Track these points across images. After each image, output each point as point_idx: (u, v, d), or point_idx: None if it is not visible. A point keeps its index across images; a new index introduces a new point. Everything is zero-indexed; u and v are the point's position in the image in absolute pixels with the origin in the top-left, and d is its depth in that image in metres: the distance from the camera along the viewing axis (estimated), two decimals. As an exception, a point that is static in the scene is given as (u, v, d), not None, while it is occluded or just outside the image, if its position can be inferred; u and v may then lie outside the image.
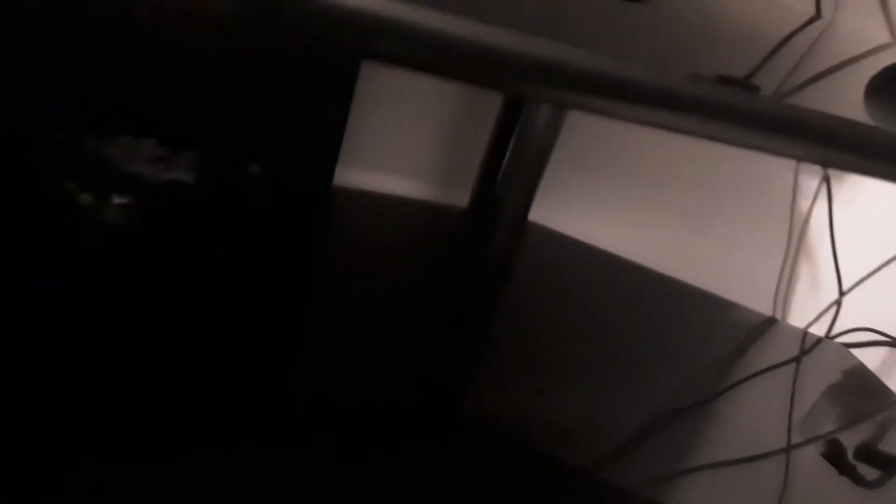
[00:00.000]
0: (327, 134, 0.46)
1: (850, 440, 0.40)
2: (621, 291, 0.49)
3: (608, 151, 0.55)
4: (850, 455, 0.38)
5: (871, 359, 0.56)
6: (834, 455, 0.37)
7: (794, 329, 0.54)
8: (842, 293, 0.63)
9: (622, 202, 0.56)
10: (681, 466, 0.33)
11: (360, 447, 0.28)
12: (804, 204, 0.60)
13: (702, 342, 0.46)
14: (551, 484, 0.29)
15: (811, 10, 0.51)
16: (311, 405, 0.29)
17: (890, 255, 0.63)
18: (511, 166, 0.48)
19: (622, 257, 0.52)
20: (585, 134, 0.53)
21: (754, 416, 0.39)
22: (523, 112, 0.47)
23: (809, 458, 0.37)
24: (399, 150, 0.52)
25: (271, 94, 0.43)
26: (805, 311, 0.64)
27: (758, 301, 0.59)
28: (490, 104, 0.49)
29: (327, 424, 0.28)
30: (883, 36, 0.53)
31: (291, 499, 0.24)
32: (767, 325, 0.52)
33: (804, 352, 0.51)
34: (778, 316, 0.63)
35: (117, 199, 0.35)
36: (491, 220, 0.50)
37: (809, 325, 0.64)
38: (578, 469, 0.31)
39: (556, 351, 0.39)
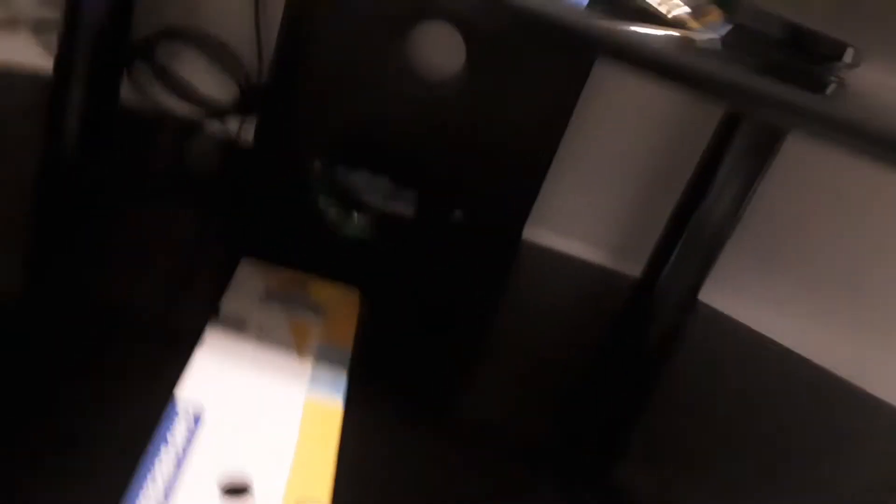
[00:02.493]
0: (524, 191, 0.52)
1: None
2: (793, 390, 0.50)
3: (790, 241, 0.56)
4: None
5: None
6: None
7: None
8: None
9: (800, 296, 0.57)
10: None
11: (491, 485, 0.32)
12: None
13: (878, 462, 0.45)
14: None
15: None
16: (455, 436, 0.34)
17: None
18: (688, 243, 0.51)
19: (797, 353, 0.52)
20: (765, 220, 0.55)
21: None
22: (708, 194, 0.50)
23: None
24: (584, 214, 0.57)
25: (481, 152, 0.50)
26: None
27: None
28: (677, 179, 0.53)
29: (466, 458, 0.33)
30: None
31: None
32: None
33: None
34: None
35: (357, 218, 0.44)
36: (661, 294, 0.53)
37: None
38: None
39: (707, 440, 0.41)
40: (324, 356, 0.33)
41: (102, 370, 0.28)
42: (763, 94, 0.24)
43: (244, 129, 0.53)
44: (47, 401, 0.26)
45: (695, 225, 0.51)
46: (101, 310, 0.31)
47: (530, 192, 0.52)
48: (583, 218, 0.57)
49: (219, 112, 0.53)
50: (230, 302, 0.34)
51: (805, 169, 0.53)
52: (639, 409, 0.40)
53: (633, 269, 0.55)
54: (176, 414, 0.26)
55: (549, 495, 0.30)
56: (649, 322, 0.52)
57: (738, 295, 0.56)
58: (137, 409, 0.26)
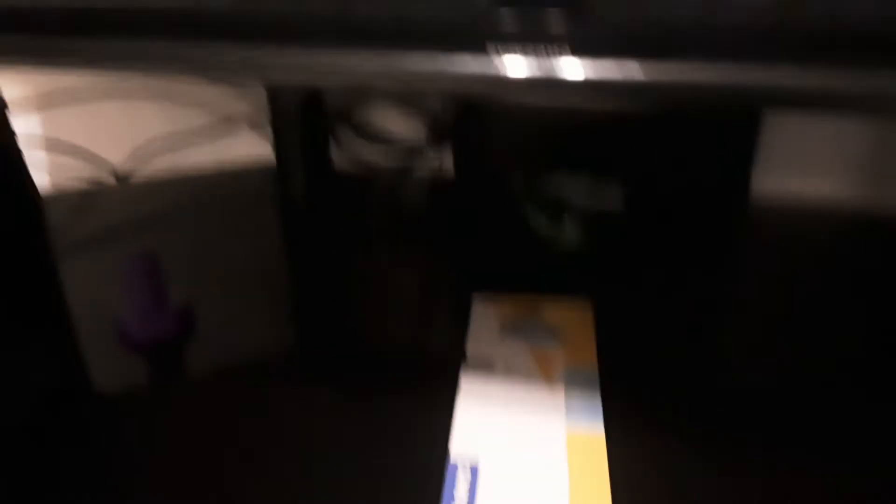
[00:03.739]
0: (741, 142, 0.48)
1: None
2: None
3: None
4: None
5: None
6: None
7: None
8: None
9: None
10: None
11: (779, 454, 0.30)
12: None
13: None
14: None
15: None
16: (728, 435, 0.32)
17: None
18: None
19: None
20: None
21: None
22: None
23: None
24: (821, 146, 0.51)
25: (682, 120, 0.47)
26: None
27: None
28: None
29: (747, 456, 0.31)
30: None
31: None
32: None
33: None
34: None
35: (568, 227, 0.44)
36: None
37: None
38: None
39: None
40: (573, 381, 0.33)
41: (369, 428, 0.31)
42: None
43: (444, 162, 0.55)
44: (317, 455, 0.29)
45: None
46: (355, 365, 0.35)
47: (748, 140, 0.47)
48: (820, 151, 0.50)
49: (418, 152, 0.55)
50: (474, 343, 0.36)
51: None
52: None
53: (892, 202, 0.48)
54: (456, 469, 0.28)
55: (849, 482, 0.28)
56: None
57: None
58: (419, 469, 0.29)
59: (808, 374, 0.34)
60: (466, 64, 0.22)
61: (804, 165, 0.51)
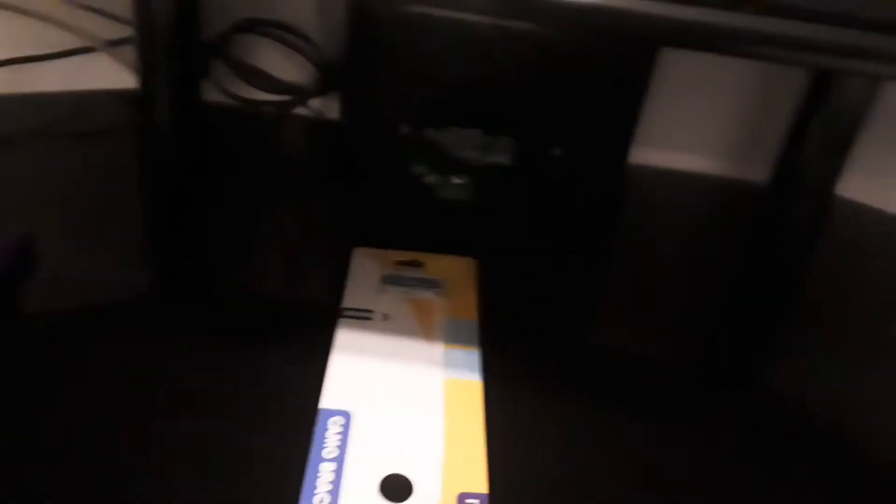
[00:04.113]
0: (624, 115, 0.49)
1: None
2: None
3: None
4: None
5: None
6: None
7: None
8: None
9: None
10: None
11: (644, 402, 0.31)
12: None
13: None
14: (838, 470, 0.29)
15: None
16: (602, 393, 0.33)
17: None
18: (817, 140, 0.47)
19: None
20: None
21: None
22: (833, 86, 0.45)
23: None
24: (694, 128, 0.53)
25: (573, 84, 0.47)
26: None
27: None
28: (791, 80, 0.48)
29: (619, 414, 0.32)
30: None
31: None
32: None
33: None
34: None
35: (456, 180, 0.43)
36: (794, 195, 0.49)
37: None
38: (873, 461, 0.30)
39: (863, 332, 0.38)
40: (452, 332, 0.32)
41: (241, 378, 0.29)
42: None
43: (330, 106, 0.52)
44: (181, 407, 0.27)
45: (824, 117, 0.46)
46: (226, 314, 0.32)
47: (630, 114, 0.49)
48: (693, 130, 0.53)
49: (301, 95, 0.52)
50: (351, 295, 0.34)
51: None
52: (789, 313, 0.38)
53: (756, 174, 0.51)
54: (327, 419, 0.27)
55: (707, 418, 0.29)
56: (786, 225, 0.48)
57: (877, 182, 0.51)
58: (290, 418, 0.27)
59: (676, 330, 0.36)
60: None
61: (676, 141, 0.53)
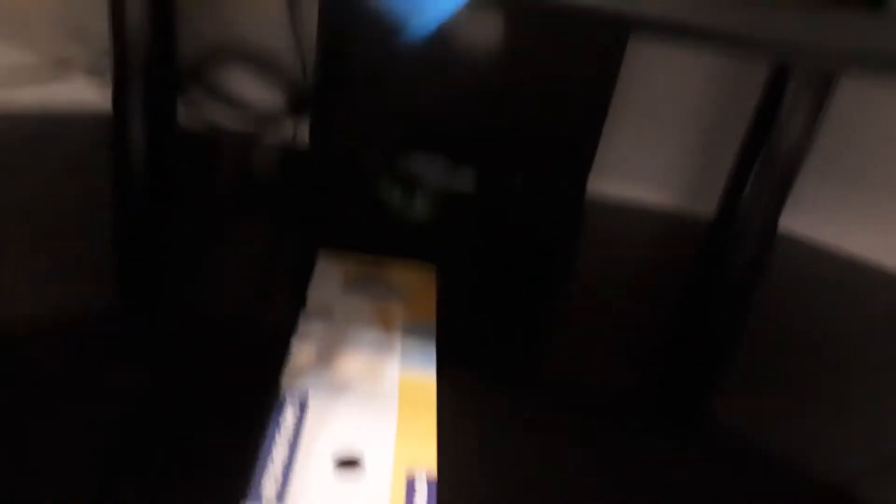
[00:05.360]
0: (582, 147, 0.51)
1: None
2: (886, 308, 0.48)
3: (867, 160, 0.54)
4: None
5: None
6: None
7: None
8: None
9: (883, 212, 0.54)
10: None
11: (592, 438, 0.32)
12: None
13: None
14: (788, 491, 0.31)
15: None
16: (547, 395, 0.34)
17: None
18: (761, 175, 0.50)
19: (886, 269, 0.50)
20: (839, 143, 0.53)
21: None
22: (775, 123, 0.48)
23: None
24: (649, 161, 0.56)
25: (533, 116, 0.50)
26: None
27: None
28: (739, 116, 0.51)
29: (561, 415, 0.33)
30: None
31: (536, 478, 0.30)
32: None
33: None
34: None
35: (420, 203, 0.45)
36: (739, 230, 0.52)
37: None
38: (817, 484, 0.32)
39: (801, 367, 0.40)
40: (410, 334, 0.33)
41: (209, 370, 0.29)
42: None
43: (299, 132, 0.54)
44: (161, 404, 0.27)
45: (767, 154, 0.49)
46: (197, 317, 0.33)
47: (588, 146, 0.51)
48: (647, 165, 0.56)
49: (272, 119, 0.54)
50: (315, 294, 0.35)
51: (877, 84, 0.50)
52: (730, 345, 0.39)
53: (706, 208, 0.54)
54: (284, 401, 0.27)
55: (648, 440, 0.30)
56: (730, 258, 0.50)
57: (819, 219, 0.54)
58: (248, 402, 0.28)
59: (623, 341, 0.37)
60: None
61: (631, 175, 0.56)
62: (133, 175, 0.47)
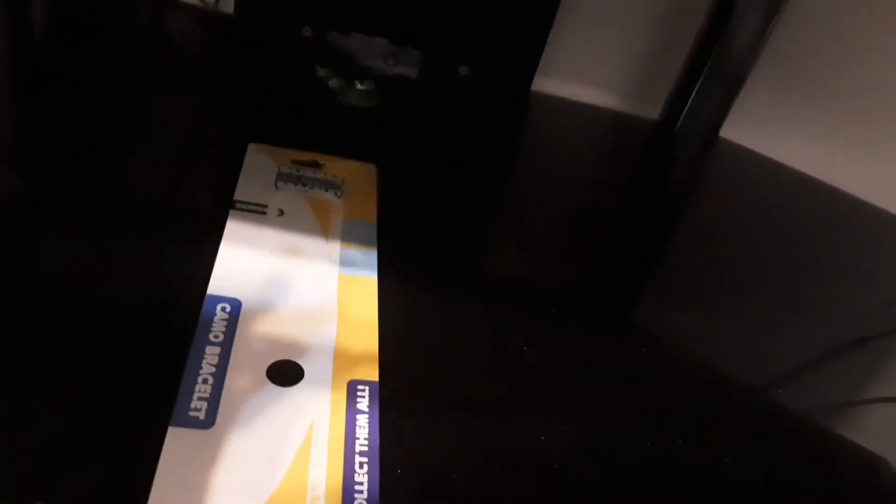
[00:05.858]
0: (530, 43, 0.49)
1: None
2: (812, 214, 0.49)
3: (813, 71, 0.53)
4: None
5: None
6: None
7: None
8: None
9: (824, 125, 0.55)
10: (860, 398, 0.34)
11: (532, 335, 0.32)
12: None
13: (891, 273, 0.45)
14: (704, 403, 0.32)
15: None
16: (490, 296, 0.34)
17: None
18: (708, 80, 0.49)
19: (819, 179, 0.51)
20: (788, 54, 0.52)
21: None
22: (725, 29, 0.47)
23: None
24: (597, 63, 0.54)
25: (484, 6, 0.46)
26: None
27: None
28: (691, 21, 0.49)
29: (500, 309, 0.33)
30: None
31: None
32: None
33: None
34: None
35: (360, 85, 0.41)
36: (682, 133, 0.51)
37: None
38: (744, 388, 0.33)
39: (733, 269, 0.40)
40: (350, 231, 0.32)
41: (127, 269, 0.27)
42: None
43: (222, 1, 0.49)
44: (74, 316, 0.25)
45: (715, 61, 0.48)
46: (113, 206, 0.30)
47: (537, 41, 0.49)
48: (595, 64, 0.54)
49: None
50: (245, 189, 0.33)
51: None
52: (666, 248, 0.40)
53: (651, 111, 0.53)
54: (213, 309, 0.26)
55: (581, 340, 0.30)
56: (671, 162, 0.50)
57: (760, 128, 0.54)
58: (173, 309, 0.26)
59: (561, 237, 0.37)
60: None
61: (578, 76, 0.54)
62: (36, 32, 0.41)
